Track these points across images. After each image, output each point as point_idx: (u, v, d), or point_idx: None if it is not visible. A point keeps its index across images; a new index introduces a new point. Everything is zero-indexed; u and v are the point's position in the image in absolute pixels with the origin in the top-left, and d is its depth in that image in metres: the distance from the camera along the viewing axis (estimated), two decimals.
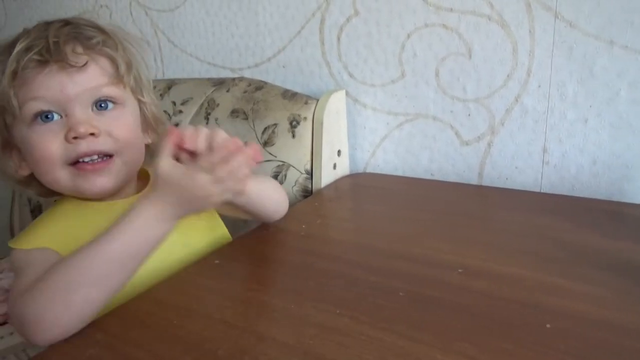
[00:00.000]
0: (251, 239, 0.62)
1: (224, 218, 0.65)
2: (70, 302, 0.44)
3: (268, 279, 0.53)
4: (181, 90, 0.97)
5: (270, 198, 0.62)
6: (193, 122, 0.91)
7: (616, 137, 0.70)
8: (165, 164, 0.47)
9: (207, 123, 0.90)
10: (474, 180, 0.81)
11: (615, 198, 0.71)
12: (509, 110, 0.76)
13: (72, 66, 0.51)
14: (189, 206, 0.49)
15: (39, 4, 1.30)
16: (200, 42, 1.06)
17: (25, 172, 0.56)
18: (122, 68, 0.55)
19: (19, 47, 0.51)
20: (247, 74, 1.00)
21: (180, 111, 0.94)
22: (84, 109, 0.52)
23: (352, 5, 0.84)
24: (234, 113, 0.88)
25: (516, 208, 0.69)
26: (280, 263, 0.56)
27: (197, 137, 0.48)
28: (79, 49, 0.53)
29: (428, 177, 0.85)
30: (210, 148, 0.47)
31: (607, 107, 0.69)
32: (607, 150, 0.71)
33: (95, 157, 0.53)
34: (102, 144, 0.53)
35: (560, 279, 0.49)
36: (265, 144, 0.83)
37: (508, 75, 0.74)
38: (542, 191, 0.76)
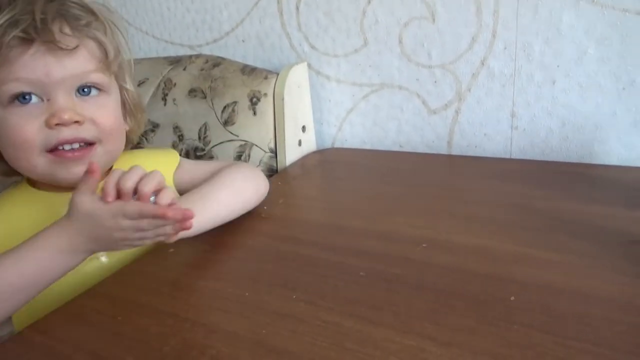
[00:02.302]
0: None
1: None
2: None
3: (223, 265, 0.50)
4: (137, 71, 0.90)
5: (222, 215, 0.55)
6: (150, 104, 0.86)
7: (585, 97, 0.67)
8: (86, 198, 0.43)
9: (165, 104, 0.85)
10: (444, 150, 0.79)
11: (586, 160, 0.69)
12: (476, 75, 0.73)
13: (61, 49, 0.48)
14: (103, 244, 0.45)
15: None
16: (155, 19, 1.00)
17: None
18: (112, 54, 0.52)
19: (2, 20, 0.47)
20: (206, 51, 0.95)
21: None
22: (67, 94, 0.49)
23: None
24: (192, 92, 0.84)
25: (486, 176, 0.67)
26: (237, 248, 0.53)
27: (126, 179, 0.43)
28: (67, 30, 0.49)
29: (397, 149, 0.82)
30: (139, 195, 0.43)
31: (575, 66, 0.67)
32: (576, 112, 0.68)
33: (77, 144, 0.50)
34: (86, 131, 0.50)
35: (528, 249, 0.47)
36: (226, 123, 0.80)
37: (473, 38, 0.71)
38: (512, 157, 0.74)
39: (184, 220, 0.43)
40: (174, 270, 0.50)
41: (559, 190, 0.59)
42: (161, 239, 0.45)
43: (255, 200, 0.60)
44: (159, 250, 0.53)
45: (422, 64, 0.76)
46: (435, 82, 0.76)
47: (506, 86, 0.71)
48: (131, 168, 0.44)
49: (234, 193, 0.57)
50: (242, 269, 0.49)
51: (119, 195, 0.43)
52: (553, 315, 0.37)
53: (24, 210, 0.53)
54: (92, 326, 0.41)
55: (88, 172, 0.44)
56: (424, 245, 0.49)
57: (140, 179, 0.43)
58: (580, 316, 0.37)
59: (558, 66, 0.68)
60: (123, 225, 0.43)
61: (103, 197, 0.43)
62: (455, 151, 0.78)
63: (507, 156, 0.74)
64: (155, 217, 0.42)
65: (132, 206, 0.42)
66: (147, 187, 0.43)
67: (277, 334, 0.38)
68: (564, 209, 0.54)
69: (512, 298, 0.39)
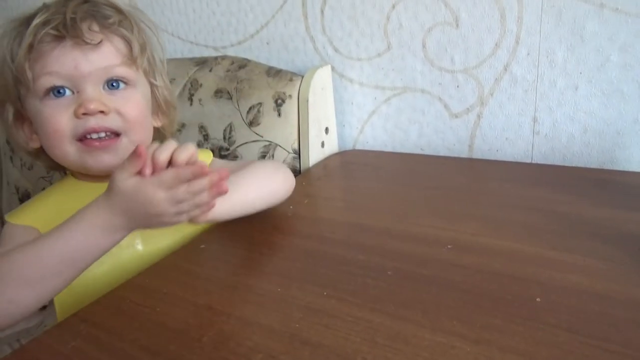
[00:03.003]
0: (237, 221, 0.60)
1: None
2: None
3: (254, 262, 0.52)
4: None
5: (258, 202, 0.57)
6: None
7: (607, 104, 0.68)
8: (125, 175, 0.44)
9: (191, 104, 0.88)
10: (465, 154, 0.80)
11: (607, 166, 0.70)
12: (498, 80, 0.74)
13: (86, 43, 0.52)
14: (140, 221, 0.46)
15: None
16: (181, 21, 1.02)
17: (35, 145, 0.57)
18: (136, 49, 0.55)
19: (36, 20, 0.51)
20: (231, 52, 0.97)
21: None
22: (95, 87, 0.53)
23: None
24: (218, 93, 0.86)
25: (507, 180, 0.68)
26: (266, 245, 0.54)
27: (162, 151, 0.44)
28: (95, 27, 0.53)
29: (418, 152, 0.83)
30: (174, 164, 0.44)
31: (598, 73, 0.68)
32: (598, 118, 0.69)
33: (103, 134, 0.53)
34: (111, 121, 0.53)
35: (551, 251, 0.48)
36: (251, 123, 0.81)
37: (496, 44, 0.72)
38: (533, 162, 0.75)
39: (220, 180, 0.44)
40: (206, 265, 0.52)
41: (581, 195, 0.60)
42: (196, 212, 0.46)
43: (283, 192, 0.61)
44: (191, 246, 0.55)
45: (445, 69, 0.77)
46: (457, 86, 0.77)
47: (529, 91, 0.72)
48: (164, 142, 0.46)
49: (263, 181, 0.59)
50: (272, 266, 0.51)
51: (154, 170, 0.44)
52: (579, 316, 0.38)
53: (69, 199, 0.56)
54: (132, 317, 0.43)
55: (134, 153, 0.44)
56: (449, 246, 0.50)
57: (174, 151, 0.44)
58: (607, 318, 0.38)
59: (581, 73, 0.69)
60: (159, 198, 0.43)
61: (140, 170, 0.44)
62: (477, 155, 0.79)
63: (529, 161, 0.75)
64: (193, 176, 0.43)
65: (168, 173, 0.43)
66: (182, 156, 0.44)
67: (311, 328, 0.39)
68: (587, 214, 0.55)
69: (538, 299, 0.41)
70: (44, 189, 0.64)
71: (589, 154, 0.71)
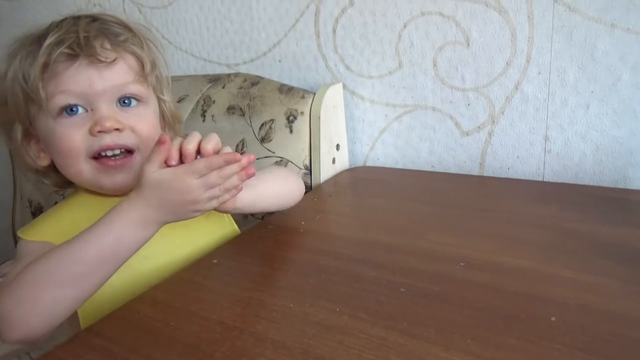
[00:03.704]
0: (250, 237, 0.61)
1: None
2: (38, 301, 0.44)
3: (266, 277, 0.52)
4: (177, 88, 0.96)
5: (274, 197, 0.62)
6: (189, 119, 0.90)
7: (619, 122, 0.68)
8: (152, 168, 0.46)
9: (203, 120, 0.89)
10: (476, 171, 0.80)
11: (620, 185, 0.70)
12: (509, 99, 0.74)
13: (101, 61, 0.52)
14: (173, 211, 0.47)
15: (33, 5, 1.28)
16: (194, 39, 1.04)
17: (44, 163, 0.57)
18: (148, 67, 0.56)
19: (49, 39, 0.52)
20: (243, 70, 0.99)
21: None
22: (109, 104, 0.53)
23: None
24: (230, 109, 0.87)
25: (519, 198, 0.68)
26: (279, 261, 0.55)
27: (189, 141, 0.47)
28: (107, 45, 0.54)
29: (429, 169, 0.84)
30: (203, 153, 0.47)
31: (609, 92, 0.68)
32: (610, 137, 0.69)
33: (118, 151, 0.53)
34: (126, 138, 0.54)
35: (565, 270, 0.48)
36: (263, 140, 0.82)
37: (507, 63, 0.73)
38: (544, 180, 0.75)
39: (249, 163, 0.47)
40: (218, 280, 0.52)
41: (594, 214, 0.60)
42: (227, 197, 0.49)
43: (297, 194, 0.65)
44: (204, 261, 0.55)
45: (455, 87, 0.78)
46: (468, 104, 0.77)
47: (540, 110, 0.73)
48: (190, 134, 0.48)
49: (281, 180, 0.64)
50: (285, 282, 0.51)
51: (185, 159, 0.47)
52: (595, 336, 0.38)
53: (83, 214, 0.56)
54: (146, 331, 0.43)
55: (158, 142, 0.46)
56: (461, 264, 0.50)
57: (200, 141, 0.47)
58: (622, 339, 0.38)
59: (592, 92, 0.69)
60: (193, 185, 0.46)
61: (167, 162, 0.46)
62: (488, 172, 0.79)
63: (540, 179, 0.75)
64: (226, 162, 0.46)
65: (201, 161, 0.46)
66: (209, 146, 0.47)
67: (324, 345, 0.39)
68: (600, 232, 0.55)
69: (553, 318, 0.40)
70: (56, 202, 0.64)
71: (602, 172, 0.71)
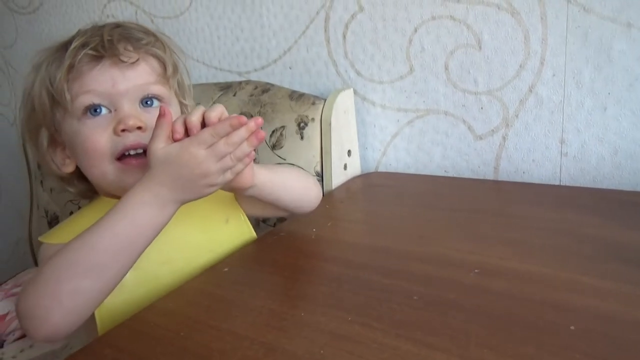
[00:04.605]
0: (260, 245, 0.60)
1: None
2: (57, 295, 0.43)
3: (277, 285, 0.51)
4: None
5: (291, 188, 0.59)
6: None
7: (638, 124, 0.66)
8: (159, 145, 0.46)
9: None
10: (490, 176, 0.78)
11: None
12: (523, 102, 0.73)
13: (124, 62, 0.53)
14: (187, 188, 0.46)
15: (47, 18, 1.31)
16: (205, 47, 1.05)
17: (69, 169, 0.58)
18: (170, 69, 0.57)
19: (75, 43, 0.53)
20: (254, 77, 0.99)
21: None
22: (132, 104, 0.54)
23: (357, 2, 0.82)
24: None
25: (535, 202, 0.66)
26: (289, 269, 0.54)
27: (192, 114, 0.46)
28: (130, 47, 0.55)
29: (442, 174, 0.82)
30: (207, 123, 0.46)
31: (627, 93, 0.66)
32: (628, 139, 0.67)
33: (141, 150, 0.53)
34: (148, 138, 0.52)
35: (584, 277, 0.46)
36: (274, 147, 0.82)
37: (521, 65, 0.72)
38: (561, 184, 0.73)
39: (257, 127, 0.45)
40: (229, 289, 0.52)
41: (614, 218, 0.58)
42: (240, 166, 0.47)
43: (315, 195, 0.62)
44: (214, 269, 0.55)
45: (468, 91, 0.77)
46: (481, 108, 0.76)
47: (555, 113, 0.71)
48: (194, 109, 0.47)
49: (300, 177, 0.63)
50: (296, 290, 0.50)
51: (190, 132, 0.46)
52: (616, 345, 0.37)
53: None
54: (157, 341, 0.43)
55: (160, 116, 0.46)
56: (476, 270, 0.49)
57: (204, 112, 0.46)
58: None
59: (609, 93, 0.67)
60: (201, 156, 0.44)
61: (173, 136, 0.46)
62: (502, 177, 0.77)
63: (557, 183, 0.73)
64: (231, 128, 0.44)
65: (206, 130, 0.45)
66: (213, 114, 0.46)
67: (336, 355, 0.39)
68: (620, 238, 0.53)
69: (572, 327, 0.39)
70: (71, 212, 0.65)
71: (621, 175, 0.69)
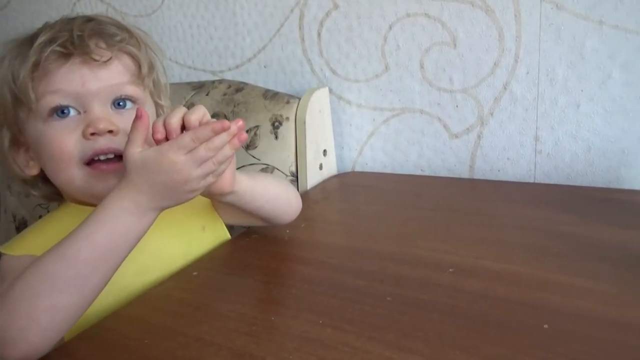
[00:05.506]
0: (231, 247, 0.59)
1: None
2: (36, 312, 0.40)
3: (247, 289, 0.50)
4: None
5: (272, 199, 0.56)
6: None
7: (610, 121, 0.67)
8: (135, 149, 0.43)
9: None
10: (465, 174, 0.78)
11: (613, 185, 0.68)
12: (498, 99, 0.73)
13: (95, 60, 0.50)
14: (167, 194, 0.43)
15: (15, 15, 1.27)
16: (179, 46, 1.02)
17: (32, 172, 0.54)
18: (145, 68, 0.54)
19: (41, 38, 0.49)
20: (228, 76, 0.97)
21: None
22: (103, 105, 0.50)
23: None
24: (215, 117, 0.84)
25: (510, 201, 0.66)
26: (261, 272, 0.52)
27: (172, 116, 0.43)
28: (102, 44, 0.51)
29: (418, 173, 0.82)
30: (187, 126, 0.43)
31: (600, 90, 0.66)
32: (601, 136, 0.68)
33: (111, 155, 0.50)
34: (120, 142, 0.49)
35: (559, 275, 0.46)
36: (248, 147, 0.80)
37: (495, 63, 0.72)
38: (536, 182, 0.73)
39: (239, 130, 0.43)
40: (198, 293, 0.50)
41: (587, 215, 0.58)
42: (223, 167, 0.44)
43: (295, 206, 0.60)
44: (183, 274, 0.53)
45: (443, 89, 0.76)
46: (456, 106, 0.76)
47: (529, 110, 0.71)
48: (170, 110, 0.44)
49: (282, 186, 0.59)
50: (267, 293, 0.49)
51: (169, 136, 0.43)
52: (591, 344, 0.36)
53: (70, 224, 0.52)
54: (119, 350, 0.41)
55: (136, 118, 0.43)
56: (450, 270, 0.48)
57: (184, 114, 0.43)
58: (619, 346, 0.36)
59: (582, 90, 0.67)
60: (180, 163, 0.42)
61: (153, 134, 0.43)
62: (478, 175, 0.77)
63: (531, 180, 0.73)
64: (214, 132, 0.41)
65: (187, 135, 0.42)
66: (194, 117, 0.43)
67: None
68: (594, 235, 0.53)
69: (546, 326, 0.38)
70: (40, 217, 0.61)
71: (594, 172, 0.69)
